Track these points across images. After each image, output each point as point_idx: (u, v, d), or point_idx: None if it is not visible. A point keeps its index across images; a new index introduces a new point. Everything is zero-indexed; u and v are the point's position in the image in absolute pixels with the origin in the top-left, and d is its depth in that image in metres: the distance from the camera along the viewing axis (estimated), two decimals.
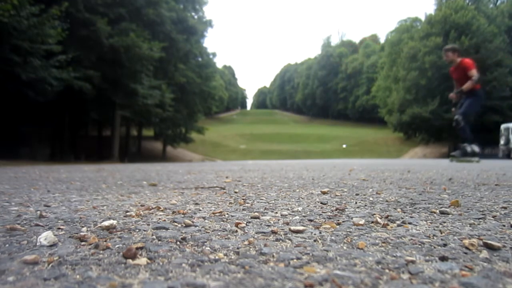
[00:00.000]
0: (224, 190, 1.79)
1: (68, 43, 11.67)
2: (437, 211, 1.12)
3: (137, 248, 0.67)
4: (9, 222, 0.93)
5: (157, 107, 18.16)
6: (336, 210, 1.16)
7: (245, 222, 0.94)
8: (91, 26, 13.56)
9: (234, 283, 0.51)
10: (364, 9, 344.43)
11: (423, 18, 36.29)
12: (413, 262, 0.60)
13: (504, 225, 0.91)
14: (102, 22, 13.67)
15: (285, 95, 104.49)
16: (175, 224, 0.93)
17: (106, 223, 0.88)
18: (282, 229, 0.86)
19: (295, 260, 0.61)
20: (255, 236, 0.80)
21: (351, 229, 0.86)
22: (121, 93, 15.88)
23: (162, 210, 1.15)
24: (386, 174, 3.11)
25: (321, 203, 1.32)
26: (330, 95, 72.49)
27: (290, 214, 1.08)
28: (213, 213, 1.09)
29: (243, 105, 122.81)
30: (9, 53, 9.09)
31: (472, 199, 1.42)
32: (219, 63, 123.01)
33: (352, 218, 1.00)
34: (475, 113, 6.38)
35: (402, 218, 1.01)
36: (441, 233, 0.82)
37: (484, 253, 0.66)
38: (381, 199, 1.43)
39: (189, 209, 1.17)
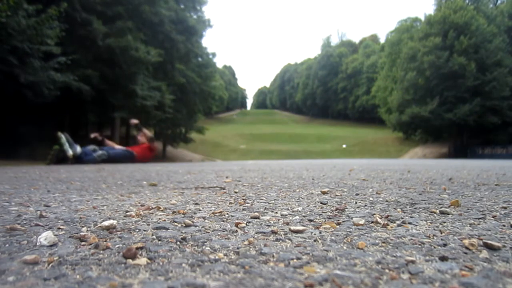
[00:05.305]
0: (224, 190, 1.79)
1: (66, 43, 11.65)
2: (437, 211, 1.12)
3: (137, 248, 0.67)
4: (9, 222, 0.93)
5: (156, 110, 18.11)
6: (336, 210, 1.16)
7: (245, 222, 0.94)
8: (88, 26, 13.54)
9: (234, 283, 0.51)
10: (364, 9, 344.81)
11: (423, 18, 36.30)
12: (413, 262, 0.60)
13: (504, 225, 0.91)
14: (98, 23, 13.65)
15: (285, 95, 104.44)
16: (175, 224, 0.93)
17: (106, 223, 0.88)
18: (282, 229, 0.86)
19: (295, 260, 0.61)
20: (255, 236, 0.80)
21: (351, 229, 0.86)
22: (119, 94, 15.85)
23: (162, 210, 1.15)
24: (386, 174, 3.11)
25: (321, 203, 1.32)
26: (330, 95, 72.45)
27: (290, 214, 1.08)
28: (213, 213, 1.09)
29: (243, 105, 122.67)
30: (8, 54, 9.07)
31: (472, 199, 1.42)
32: (219, 63, 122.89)
33: (352, 218, 1.00)
34: None
35: (402, 218, 1.01)
36: (441, 233, 0.82)
37: (484, 253, 0.66)
38: (381, 199, 1.43)
39: (189, 209, 1.17)
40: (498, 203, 1.31)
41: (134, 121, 7.65)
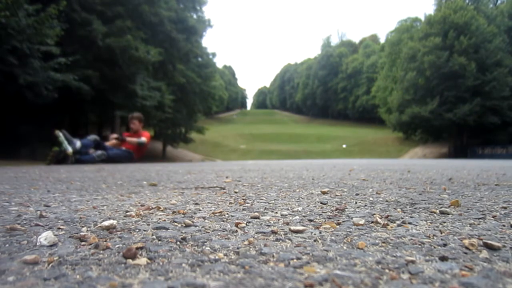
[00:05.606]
0: (224, 190, 1.79)
1: (66, 43, 11.64)
2: (437, 211, 1.12)
3: (137, 248, 0.67)
4: (9, 222, 0.92)
5: (156, 110, 18.11)
6: (336, 210, 1.16)
7: (245, 222, 0.94)
8: (87, 26, 13.54)
9: (234, 283, 0.51)
10: (364, 9, 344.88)
11: (423, 18, 36.31)
12: (413, 262, 0.60)
13: (504, 225, 0.91)
14: (98, 23, 13.65)
15: (285, 95, 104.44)
16: (175, 224, 0.93)
17: (106, 223, 0.88)
18: (282, 229, 0.86)
19: (295, 260, 0.61)
20: (255, 236, 0.79)
21: (351, 229, 0.86)
22: (119, 93, 15.85)
23: (162, 210, 1.15)
24: (386, 174, 3.11)
25: (321, 203, 1.32)
26: (330, 95, 72.44)
27: (290, 214, 1.08)
28: (213, 213, 1.09)
29: (243, 105, 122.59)
30: (7, 54, 9.06)
31: (472, 199, 1.42)
32: (219, 63, 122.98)
33: (352, 218, 1.00)
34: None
35: (402, 218, 1.01)
36: (441, 233, 0.82)
37: (484, 253, 0.66)
38: (381, 199, 1.43)
39: (189, 209, 1.17)
40: (498, 203, 1.31)
41: (114, 136, 7.55)
